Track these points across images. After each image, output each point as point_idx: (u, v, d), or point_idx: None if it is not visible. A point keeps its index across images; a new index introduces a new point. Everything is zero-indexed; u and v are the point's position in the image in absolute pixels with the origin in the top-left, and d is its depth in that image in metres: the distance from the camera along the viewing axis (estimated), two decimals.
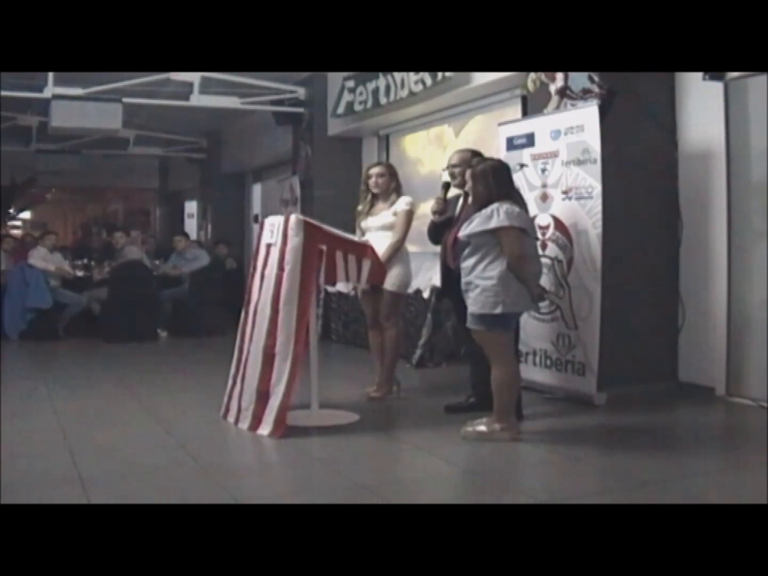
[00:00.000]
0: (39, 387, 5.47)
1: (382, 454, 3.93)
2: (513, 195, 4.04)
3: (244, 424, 4.20)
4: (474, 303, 3.89)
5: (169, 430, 4.23)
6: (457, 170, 4.56)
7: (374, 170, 5.12)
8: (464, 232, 3.94)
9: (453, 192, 4.67)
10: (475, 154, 4.63)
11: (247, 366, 4.30)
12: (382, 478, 3.46)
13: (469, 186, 4.14)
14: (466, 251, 3.95)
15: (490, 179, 3.95)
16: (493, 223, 3.80)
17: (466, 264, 3.94)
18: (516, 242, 3.81)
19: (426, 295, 6.36)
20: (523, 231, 3.88)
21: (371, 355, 5.11)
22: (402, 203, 4.98)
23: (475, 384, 4.55)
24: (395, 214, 4.95)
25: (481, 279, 3.86)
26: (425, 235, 4.85)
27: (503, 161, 4.27)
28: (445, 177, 4.68)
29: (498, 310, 3.82)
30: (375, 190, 5.05)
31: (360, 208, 5.14)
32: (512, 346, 4.07)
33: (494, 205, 3.85)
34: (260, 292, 4.33)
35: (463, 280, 3.97)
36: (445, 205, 4.61)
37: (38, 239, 8.99)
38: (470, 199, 4.24)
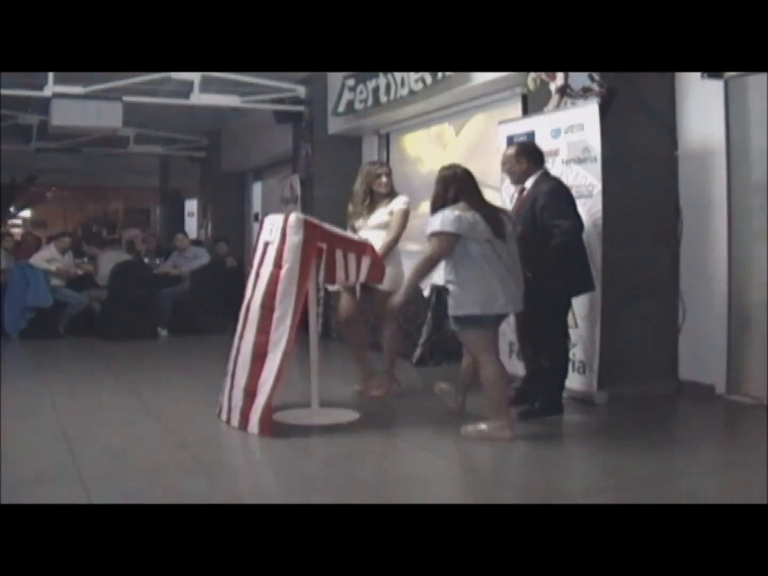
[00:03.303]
0: (39, 386, 5.48)
1: (382, 453, 3.93)
2: (470, 199, 4.06)
3: (235, 422, 4.19)
4: (448, 305, 4.06)
5: (170, 429, 4.24)
6: (506, 167, 4.59)
7: (383, 170, 5.05)
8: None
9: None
10: (523, 148, 4.58)
11: (237, 364, 4.30)
12: (383, 477, 3.46)
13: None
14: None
15: (441, 186, 4.12)
16: (429, 228, 3.98)
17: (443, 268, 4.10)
18: (437, 246, 3.95)
19: (426, 293, 6.36)
20: (455, 235, 3.93)
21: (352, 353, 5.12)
22: (400, 202, 4.96)
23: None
24: (391, 213, 4.93)
25: (449, 282, 4.03)
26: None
27: (464, 169, 4.24)
28: None
29: (460, 312, 3.97)
30: (383, 190, 4.98)
31: (353, 208, 5.06)
32: (492, 345, 4.09)
33: (442, 210, 4.00)
34: (253, 290, 4.33)
35: None
36: None
37: (53, 240, 8.96)
38: (523, 193, 4.50)
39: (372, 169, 5.08)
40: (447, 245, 3.96)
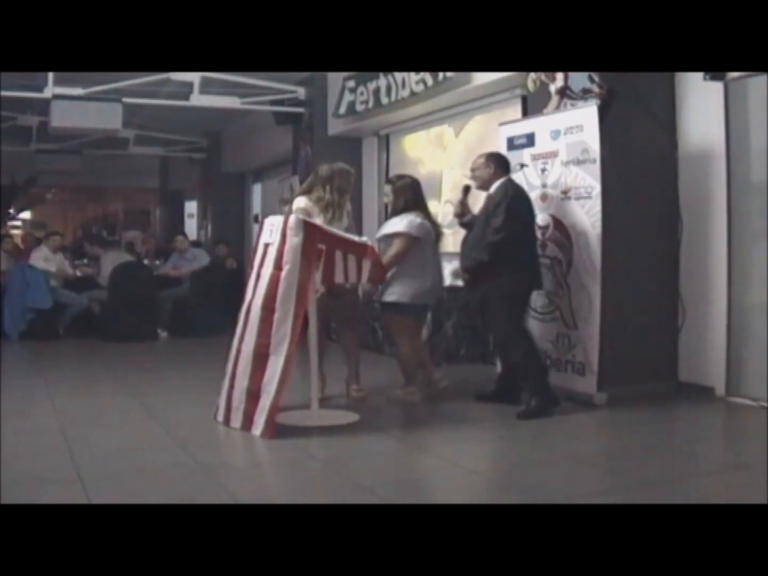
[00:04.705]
0: (39, 387, 5.47)
1: (381, 454, 3.92)
2: (422, 207, 4.94)
3: (236, 424, 4.18)
4: (380, 291, 4.85)
5: (169, 430, 4.24)
6: (475, 173, 4.81)
7: (352, 171, 4.99)
8: (379, 234, 4.94)
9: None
10: (492, 156, 4.83)
11: (238, 365, 4.28)
12: (382, 478, 3.46)
13: (391, 198, 4.97)
14: (382, 249, 4.85)
15: (407, 194, 4.90)
16: (398, 228, 4.77)
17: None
18: (401, 247, 4.75)
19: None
20: (417, 239, 4.77)
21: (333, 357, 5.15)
22: (348, 204, 4.98)
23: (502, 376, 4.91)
24: (348, 214, 4.94)
25: (400, 277, 4.77)
26: None
27: (416, 179, 5.11)
28: (467, 180, 5.03)
29: (390, 299, 4.80)
30: (345, 198, 4.89)
31: (329, 213, 4.78)
32: (410, 329, 4.91)
33: (404, 215, 4.81)
34: (254, 292, 4.32)
35: None
36: (462, 208, 4.90)
37: (43, 240, 8.97)
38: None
39: (352, 171, 5.00)
40: (410, 245, 4.76)
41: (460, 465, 3.72)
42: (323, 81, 8.59)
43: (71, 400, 5.06)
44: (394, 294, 4.79)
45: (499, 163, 4.77)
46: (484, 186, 4.78)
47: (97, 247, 9.17)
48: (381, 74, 7.34)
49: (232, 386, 4.29)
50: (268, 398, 4.06)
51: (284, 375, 4.05)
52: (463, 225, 4.95)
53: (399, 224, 4.79)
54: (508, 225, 4.47)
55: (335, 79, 8.27)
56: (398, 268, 4.77)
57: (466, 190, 4.91)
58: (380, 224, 8.69)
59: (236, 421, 4.19)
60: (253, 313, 4.25)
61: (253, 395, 4.12)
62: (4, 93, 7.47)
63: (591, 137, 4.76)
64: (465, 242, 4.80)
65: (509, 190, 4.62)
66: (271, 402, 4.04)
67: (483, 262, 4.54)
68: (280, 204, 9.38)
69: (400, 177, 5.15)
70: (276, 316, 4.12)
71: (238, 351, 4.32)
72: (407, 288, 4.77)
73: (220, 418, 4.32)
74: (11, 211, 16.80)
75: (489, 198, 4.71)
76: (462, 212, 4.90)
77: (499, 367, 5.14)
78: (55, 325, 8.20)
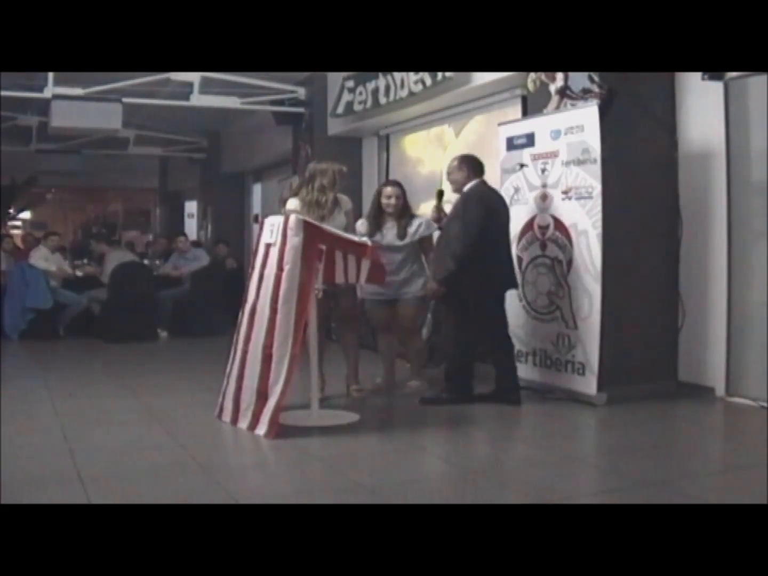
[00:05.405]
0: (39, 387, 5.48)
1: (382, 454, 3.92)
2: None
3: (244, 424, 4.19)
4: (419, 288, 5.02)
5: (169, 430, 4.24)
6: (450, 177, 4.90)
7: (338, 168, 4.94)
8: (415, 237, 5.05)
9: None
10: (465, 158, 4.89)
11: (246, 366, 4.28)
12: (382, 478, 3.45)
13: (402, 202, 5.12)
14: (404, 254, 5.04)
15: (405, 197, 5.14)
16: (432, 229, 5.05)
17: (403, 262, 5.03)
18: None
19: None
20: None
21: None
22: (349, 202, 4.98)
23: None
24: (347, 213, 4.93)
25: (422, 272, 5.07)
26: None
27: None
28: (439, 186, 5.28)
29: (423, 292, 5.02)
30: (327, 196, 4.84)
31: (317, 211, 4.77)
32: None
33: (424, 217, 5.15)
34: (258, 292, 4.32)
35: (402, 276, 5.01)
36: (438, 213, 5.01)
37: (41, 240, 8.98)
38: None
39: (342, 168, 4.96)
40: None
41: (459, 465, 3.72)
42: (323, 81, 8.58)
43: (71, 400, 5.06)
44: (418, 288, 5.05)
45: (472, 166, 4.82)
46: (458, 189, 4.85)
47: (104, 245, 9.18)
48: (380, 74, 7.33)
49: (240, 387, 4.28)
50: (273, 399, 4.07)
51: (289, 375, 4.06)
52: (441, 230, 5.02)
53: (432, 225, 5.05)
54: (465, 232, 4.58)
55: (335, 79, 8.26)
56: (421, 263, 5.12)
57: (440, 195, 5.01)
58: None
59: (244, 421, 4.20)
60: (261, 314, 4.25)
61: (262, 396, 4.12)
62: (4, 93, 7.46)
63: (592, 137, 4.76)
64: (438, 247, 4.93)
65: (471, 196, 4.71)
66: (276, 402, 4.05)
67: (452, 271, 4.59)
68: (280, 204, 9.35)
69: (398, 182, 5.29)
70: (278, 316, 4.13)
71: (245, 352, 4.31)
72: (424, 280, 5.05)
73: (227, 418, 4.32)
74: (11, 211, 16.80)
75: (456, 202, 4.82)
76: (438, 217, 4.99)
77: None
78: (55, 325, 8.20)
